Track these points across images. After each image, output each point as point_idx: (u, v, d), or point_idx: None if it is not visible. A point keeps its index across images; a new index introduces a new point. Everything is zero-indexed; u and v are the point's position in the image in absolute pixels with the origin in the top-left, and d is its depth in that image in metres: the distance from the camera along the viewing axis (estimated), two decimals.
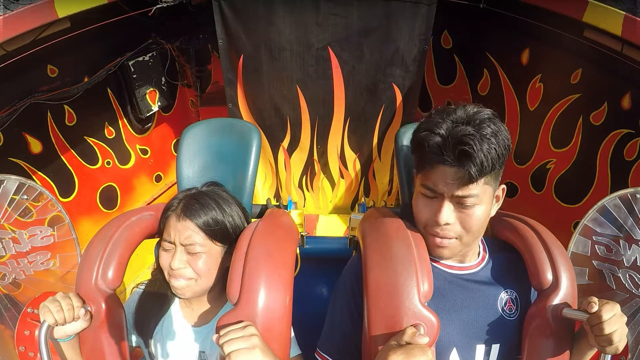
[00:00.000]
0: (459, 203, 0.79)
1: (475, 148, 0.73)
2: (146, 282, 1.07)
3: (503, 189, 0.87)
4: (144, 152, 2.51)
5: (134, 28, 2.08)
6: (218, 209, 0.94)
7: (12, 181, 1.24)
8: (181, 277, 0.90)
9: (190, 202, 0.93)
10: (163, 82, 2.45)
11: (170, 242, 0.91)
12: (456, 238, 0.84)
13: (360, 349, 0.84)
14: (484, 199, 0.80)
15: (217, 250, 0.93)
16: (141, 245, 1.02)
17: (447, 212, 0.80)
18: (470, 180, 0.75)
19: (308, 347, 0.99)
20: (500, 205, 0.90)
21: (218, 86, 2.80)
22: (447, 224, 0.81)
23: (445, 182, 0.78)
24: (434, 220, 0.82)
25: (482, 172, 0.75)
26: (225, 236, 0.95)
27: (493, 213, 0.88)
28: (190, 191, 1.00)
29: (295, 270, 1.02)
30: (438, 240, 0.85)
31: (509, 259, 0.94)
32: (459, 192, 0.78)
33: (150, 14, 1.85)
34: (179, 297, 0.97)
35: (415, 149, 0.86)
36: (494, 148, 0.75)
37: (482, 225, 0.83)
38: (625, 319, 0.75)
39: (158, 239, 1.00)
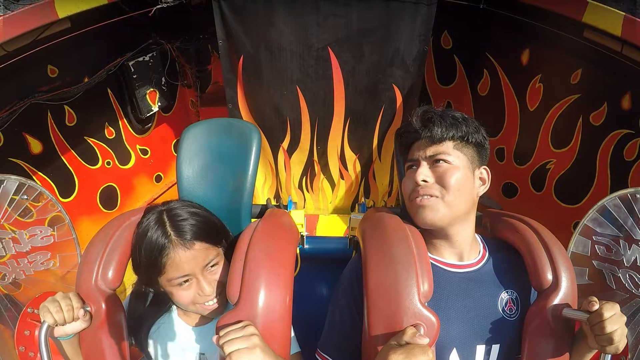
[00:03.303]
0: (434, 163, 0.89)
1: (437, 114, 0.91)
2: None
3: (487, 171, 0.94)
4: (144, 152, 2.51)
5: (134, 28, 2.08)
6: (194, 209, 0.91)
7: (12, 181, 1.24)
8: (211, 298, 0.89)
9: (177, 224, 0.84)
10: (163, 83, 2.45)
11: (186, 276, 0.85)
12: (437, 196, 0.86)
13: (360, 348, 0.84)
14: (459, 165, 0.88)
15: (221, 252, 0.94)
16: None
17: (424, 171, 0.89)
18: (438, 139, 0.89)
19: (308, 347, 0.99)
20: (487, 187, 0.93)
21: (218, 86, 2.80)
22: (424, 180, 0.87)
23: (419, 149, 0.92)
24: (414, 183, 0.89)
25: (446, 130, 0.88)
26: (219, 234, 0.94)
27: (481, 192, 0.92)
28: (157, 210, 0.88)
29: (295, 270, 1.02)
30: (419, 199, 0.88)
31: (509, 259, 0.94)
32: (431, 152, 0.90)
33: (150, 15, 1.85)
34: (205, 314, 0.94)
35: (398, 143, 1.02)
36: (459, 114, 0.91)
37: (460, 187, 0.86)
38: (625, 319, 0.75)
39: None
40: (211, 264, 0.89)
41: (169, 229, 0.84)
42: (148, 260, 0.84)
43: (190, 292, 0.88)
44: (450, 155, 0.88)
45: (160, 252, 0.83)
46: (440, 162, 0.88)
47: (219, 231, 0.93)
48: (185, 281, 0.86)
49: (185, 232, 0.85)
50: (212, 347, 0.96)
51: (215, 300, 0.91)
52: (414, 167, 0.92)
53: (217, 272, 0.90)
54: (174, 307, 1.01)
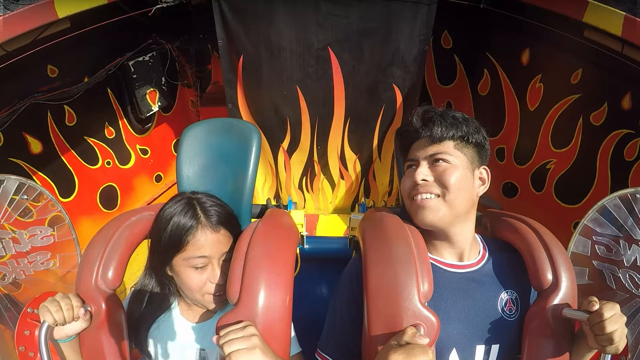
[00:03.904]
0: (434, 162, 0.89)
1: (437, 113, 0.91)
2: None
3: (487, 171, 0.94)
4: (144, 152, 2.51)
5: (134, 28, 2.08)
6: (224, 204, 0.95)
7: (12, 181, 1.24)
8: (221, 291, 0.89)
9: (206, 209, 0.89)
10: (163, 82, 2.45)
11: (204, 257, 0.87)
12: (437, 195, 0.86)
13: (360, 348, 0.84)
14: (459, 165, 0.88)
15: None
16: (141, 245, 1.02)
17: (423, 170, 0.89)
18: (438, 139, 0.89)
19: (308, 347, 0.99)
20: (487, 187, 0.93)
21: (218, 86, 2.80)
22: (424, 180, 0.87)
23: (419, 148, 0.92)
24: (413, 182, 0.89)
25: (446, 130, 0.88)
26: (238, 227, 0.96)
27: (481, 192, 0.92)
28: (183, 198, 0.92)
29: (295, 270, 1.02)
30: (419, 198, 0.88)
31: (509, 259, 0.94)
32: (431, 151, 0.89)
33: (150, 14, 1.85)
34: (210, 308, 0.95)
35: (399, 142, 1.03)
36: (460, 114, 0.91)
37: (460, 186, 0.86)
38: (625, 319, 0.75)
39: None
40: (227, 256, 0.90)
41: (199, 211, 0.88)
42: (172, 238, 0.85)
43: (203, 277, 0.88)
44: (451, 155, 0.88)
45: (187, 231, 0.85)
46: (440, 161, 0.88)
47: (237, 225, 0.95)
48: (202, 264, 0.88)
49: (213, 216, 0.88)
50: (213, 344, 0.96)
51: (219, 295, 0.91)
52: (414, 167, 0.92)
53: (226, 268, 0.90)
54: (175, 304, 1.01)
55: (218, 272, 0.88)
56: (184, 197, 0.92)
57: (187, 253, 0.86)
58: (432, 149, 0.90)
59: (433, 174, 0.88)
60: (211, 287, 0.89)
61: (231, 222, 0.93)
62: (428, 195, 0.87)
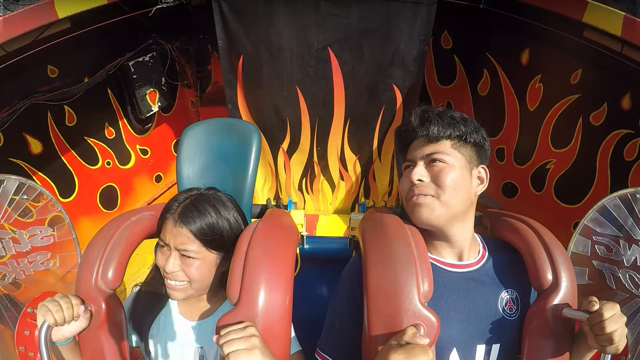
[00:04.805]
0: (430, 162, 0.89)
1: (435, 113, 0.91)
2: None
3: (485, 170, 0.93)
4: (144, 152, 2.51)
5: (134, 28, 2.08)
6: (216, 216, 0.93)
7: (12, 181, 1.24)
8: (174, 279, 0.91)
9: (188, 208, 0.91)
10: (163, 83, 2.45)
11: (165, 244, 0.91)
12: (433, 196, 0.86)
13: (360, 348, 0.84)
14: (456, 164, 0.87)
15: (211, 257, 0.93)
16: (141, 245, 1.02)
17: (420, 170, 0.89)
18: (435, 138, 0.89)
19: (308, 347, 0.99)
20: (485, 187, 0.93)
21: (218, 86, 2.80)
22: (420, 180, 0.87)
23: (417, 148, 0.92)
24: (410, 182, 0.89)
25: (443, 129, 0.88)
26: (221, 244, 0.94)
27: (479, 191, 0.92)
28: (191, 192, 0.98)
29: (295, 270, 1.02)
30: (414, 197, 0.88)
31: (509, 259, 0.94)
32: (427, 151, 0.89)
33: (150, 15, 1.86)
34: (172, 298, 0.98)
35: (398, 141, 1.04)
36: (459, 114, 0.91)
37: (457, 186, 0.86)
38: (625, 319, 0.75)
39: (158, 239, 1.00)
40: (187, 254, 0.89)
41: (181, 205, 0.92)
42: (163, 211, 0.95)
43: (162, 260, 0.91)
44: (448, 155, 0.88)
45: (166, 212, 0.93)
46: (437, 161, 0.88)
47: (216, 241, 0.93)
48: (164, 246, 0.92)
49: (185, 216, 0.90)
50: (211, 343, 0.96)
51: (175, 284, 0.91)
52: (411, 167, 0.92)
53: (191, 265, 0.90)
54: (175, 303, 1.01)
55: (171, 260, 0.89)
56: (199, 190, 0.99)
57: (161, 233, 0.93)
58: (429, 149, 0.90)
59: (430, 174, 0.88)
60: (165, 273, 0.90)
61: (205, 233, 0.90)
62: (424, 196, 0.87)
